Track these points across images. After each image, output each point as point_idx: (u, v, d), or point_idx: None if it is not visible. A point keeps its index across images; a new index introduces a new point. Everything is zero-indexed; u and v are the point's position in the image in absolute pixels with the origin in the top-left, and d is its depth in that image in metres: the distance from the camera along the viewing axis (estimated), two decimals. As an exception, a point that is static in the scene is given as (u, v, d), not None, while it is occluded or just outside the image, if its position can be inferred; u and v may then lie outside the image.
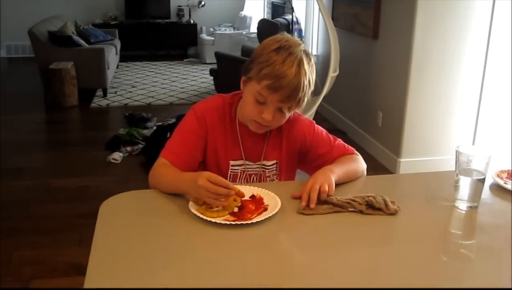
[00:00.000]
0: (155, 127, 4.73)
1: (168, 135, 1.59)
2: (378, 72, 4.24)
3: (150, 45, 9.21)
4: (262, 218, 1.26)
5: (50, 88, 5.81)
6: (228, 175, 1.58)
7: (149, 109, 5.73)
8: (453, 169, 1.40)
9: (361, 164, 1.61)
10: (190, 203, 1.32)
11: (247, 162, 1.59)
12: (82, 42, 6.33)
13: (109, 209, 1.35)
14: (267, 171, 1.62)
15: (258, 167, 1.61)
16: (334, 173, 1.45)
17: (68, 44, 6.05)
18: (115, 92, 6.50)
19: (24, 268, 2.71)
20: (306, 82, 1.40)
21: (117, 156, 4.24)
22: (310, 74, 1.43)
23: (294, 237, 1.27)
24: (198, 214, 1.26)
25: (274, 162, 1.62)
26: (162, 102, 6.14)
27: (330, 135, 1.65)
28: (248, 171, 1.60)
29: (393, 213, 1.33)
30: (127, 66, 8.29)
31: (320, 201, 1.36)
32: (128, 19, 9.16)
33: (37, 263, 2.75)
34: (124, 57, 8.42)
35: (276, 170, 1.63)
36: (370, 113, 4.39)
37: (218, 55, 5.81)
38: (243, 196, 1.34)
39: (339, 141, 1.64)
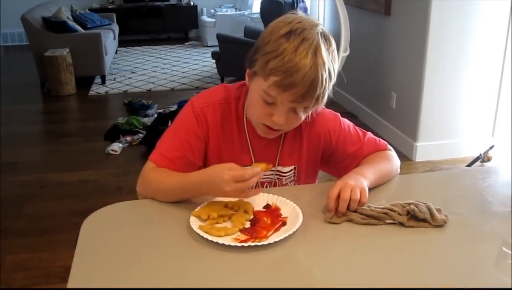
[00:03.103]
0: (155, 115, 4.52)
1: (169, 124, 1.32)
2: (391, 51, 4.04)
3: (149, 29, 8.95)
4: (281, 237, 1.02)
5: (46, 77, 5.60)
6: None
7: (149, 96, 5.51)
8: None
9: (396, 162, 1.36)
10: (192, 219, 1.09)
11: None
12: (77, 27, 6.09)
13: (93, 226, 1.12)
14: (283, 178, 1.37)
15: (272, 174, 1.36)
16: (366, 178, 1.21)
17: (63, 30, 5.81)
18: (114, 79, 6.27)
19: (16, 274, 2.52)
20: (325, 75, 1.12)
21: (116, 146, 4.04)
22: (330, 63, 1.14)
23: (322, 259, 1.02)
24: (202, 233, 1.03)
25: (292, 167, 1.37)
26: (163, 88, 5.91)
27: (358, 129, 1.40)
28: (260, 178, 1.35)
29: (441, 224, 1.09)
30: (126, 52, 8.05)
31: (350, 211, 1.12)
32: (126, 3, 8.89)
33: (31, 268, 2.57)
34: (123, 42, 8.19)
35: (294, 176, 1.38)
36: (383, 95, 4.20)
37: (220, 37, 5.57)
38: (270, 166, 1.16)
39: (369, 135, 1.39)
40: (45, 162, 3.99)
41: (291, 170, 1.36)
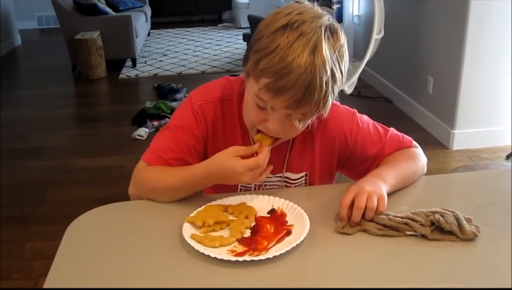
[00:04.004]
0: (184, 99, 4.41)
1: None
2: (429, 34, 3.85)
3: (183, 11, 8.84)
4: (283, 251, 0.89)
5: (77, 60, 5.58)
6: (238, 190, 1.21)
7: (179, 79, 5.42)
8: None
9: (421, 160, 1.20)
10: (185, 225, 0.97)
11: None
12: (108, 10, 6.03)
13: (78, 230, 1.02)
14: (292, 185, 1.23)
15: (279, 180, 1.22)
16: (385, 182, 1.06)
17: (93, 12, 5.76)
18: (145, 62, 6.21)
19: (34, 263, 2.47)
20: (326, 77, 0.95)
21: (142, 131, 3.97)
22: (334, 62, 0.97)
23: (329, 276, 0.89)
24: (193, 244, 0.91)
25: (302, 174, 1.22)
26: (193, 71, 5.82)
27: (379, 126, 1.23)
28: (265, 185, 1.22)
29: (470, 238, 0.94)
30: (159, 34, 7.99)
31: (365, 220, 0.98)
32: (159, -16, 8.80)
33: (49, 256, 2.48)
34: (156, 25, 8.10)
35: (306, 183, 1.24)
36: (420, 79, 4.02)
37: (251, 19, 5.42)
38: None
39: (392, 132, 1.23)
40: (71, 146, 3.96)
41: (301, 177, 1.23)
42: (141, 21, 6.47)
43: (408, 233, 0.96)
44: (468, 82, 3.41)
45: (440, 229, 0.95)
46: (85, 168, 3.51)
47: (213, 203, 1.06)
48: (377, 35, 3.84)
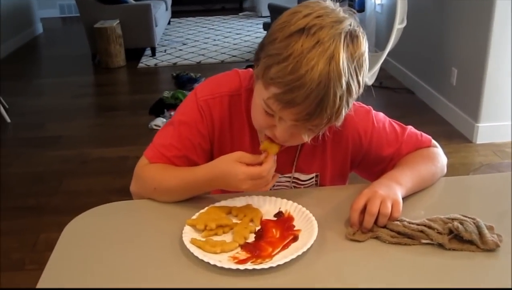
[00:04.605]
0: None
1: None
2: (453, 23, 3.75)
3: (204, -1, 8.79)
4: (288, 259, 0.83)
5: (96, 49, 5.57)
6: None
7: (198, 69, 5.38)
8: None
9: (441, 161, 1.12)
10: (186, 229, 0.92)
11: None
12: (128, -2, 6.00)
13: (73, 233, 0.97)
14: (302, 186, 1.17)
15: (288, 181, 1.16)
16: (401, 185, 0.99)
17: (113, 1, 5.73)
18: (165, 51, 6.18)
19: (47, 254, 2.45)
20: (340, 92, 0.87)
21: (159, 121, 3.95)
22: (351, 73, 0.88)
23: (338, 287, 0.82)
24: (192, 249, 0.85)
25: (313, 175, 1.16)
26: (212, 61, 5.77)
27: (396, 124, 1.16)
28: (274, 185, 1.14)
29: (492, 248, 0.87)
30: (179, 23, 7.95)
31: (378, 227, 0.91)
32: (180, -28, 8.74)
33: (63, 248, 2.50)
34: (177, 13, 8.05)
35: (316, 185, 1.17)
36: (443, 70, 3.92)
37: (271, 7, 5.35)
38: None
39: (409, 130, 1.15)
40: (88, 136, 3.94)
41: (311, 178, 1.16)
42: (161, 10, 6.44)
43: (423, 241, 0.89)
44: (493, 73, 3.32)
45: (459, 238, 0.88)
46: (101, 158, 3.50)
47: (217, 204, 1.00)
48: (399, 25, 3.78)
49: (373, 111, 1.14)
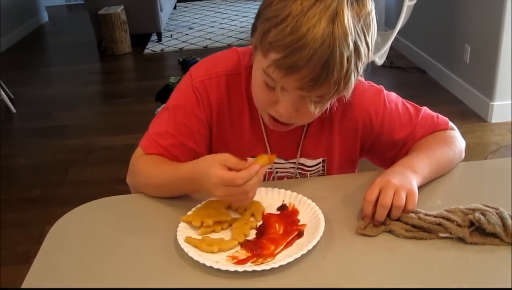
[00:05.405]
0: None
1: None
2: None
3: (210, -18, 8.65)
4: (291, 259, 0.76)
5: (102, 36, 5.51)
6: None
7: (205, 53, 5.22)
8: None
9: (459, 145, 1.04)
10: (181, 225, 0.85)
11: (275, 160, 1.06)
12: (132, -17, 5.90)
13: (61, 231, 0.91)
14: (307, 173, 1.08)
15: (292, 167, 1.08)
16: (416, 173, 0.91)
17: (117, -14, 5.64)
18: (171, 36, 6.09)
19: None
20: (347, 52, 0.79)
21: (166, 108, 3.87)
22: (358, 33, 0.80)
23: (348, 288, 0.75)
24: (187, 249, 0.78)
25: (319, 160, 1.07)
26: (219, 45, 5.67)
27: (410, 105, 1.06)
28: (277, 172, 1.08)
29: (517, 242, 0.79)
30: (186, 7, 7.85)
31: (391, 220, 0.84)
32: (185, -45, 8.61)
33: (68, 240, 2.46)
34: (182, -3, 7.96)
35: (323, 171, 1.09)
36: (455, 48, 3.83)
37: (278, -11, 5.23)
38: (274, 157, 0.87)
39: (424, 112, 1.06)
40: (94, 124, 3.90)
41: (318, 164, 1.08)
42: (166, -6, 6.34)
43: (441, 235, 0.81)
44: (508, 50, 3.22)
45: (481, 231, 0.80)
46: (107, 146, 3.46)
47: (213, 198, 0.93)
48: (409, 2, 3.66)
49: (385, 91, 1.05)
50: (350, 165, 1.12)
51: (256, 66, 0.90)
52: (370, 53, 0.84)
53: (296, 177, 1.08)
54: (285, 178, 1.08)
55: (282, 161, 1.06)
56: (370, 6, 0.83)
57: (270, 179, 1.08)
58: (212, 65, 1.03)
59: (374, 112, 1.03)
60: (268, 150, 1.04)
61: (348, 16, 0.78)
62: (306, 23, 0.77)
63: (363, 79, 1.04)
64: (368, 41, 0.82)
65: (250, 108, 1.01)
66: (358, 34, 0.80)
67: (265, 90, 0.88)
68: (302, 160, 1.07)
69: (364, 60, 0.83)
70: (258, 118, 1.02)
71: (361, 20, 0.81)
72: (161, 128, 1.02)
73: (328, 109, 0.96)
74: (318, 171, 1.09)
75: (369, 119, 1.03)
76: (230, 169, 0.82)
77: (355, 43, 0.80)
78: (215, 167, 0.82)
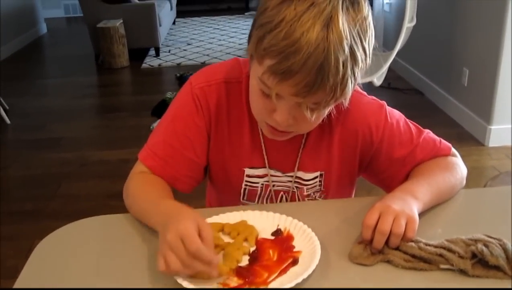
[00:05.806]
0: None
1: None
2: (464, 21, 3.65)
3: (209, -1, 8.71)
4: (285, 287, 0.72)
5: (100, 49, 5.50)
6: (242, 190, 1.04)
7: (203, 69, 5.28)
8: None
9: (460, 173, 1.01)
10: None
11: (272, 172, 1.03)
12: (131, -3, 5.92)
13: (45, 252, 0.87)
14: (304, 187, 1.05)
15: (289, 181, 1.05)
16: (417, 199, 0.88)
17: (116, 0, 5.64)
18: (169, 51, 6.10)
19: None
20: (343, 57, 0.77)
21: (161, 123, 3.84)
22: (354, 37, 0.78)
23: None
24: (176, 276, 0.75)
25: (317, 174, 1.05)
26: (217, 61, 5.66)
27: (412, 125, 1.04)
28: (274, 186, 1.05)
29: (521, 275, 0.76)
30: (185, 22, 7.88)
31: (390, 248, 0.80)
32: (185, -29, 8.67)
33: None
34: (182, 13, 7.98)
35: (320, 186, 1.06)
36: (454, 70, 3.84)
37: (277, 7, 5.25)
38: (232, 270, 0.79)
39: (427, 134, 1.04)
40: (89, 138, 3.87)
41: (315, 177, 1.05)
42: (165, 9, 6.36)
43: (442, 266, 0.78)
44: (506, 73, 3.22)
45: (484, 263, 0.77)
46: (101, 160, 3.42)
47: (209, 219, 0.89)
48: (409, 23, 3.68)
49: (388, 107, 1.03)
50: (348, 181, 1.09)
51: (253, 75, 0.88)
52: (368, 59, 0.82)
53: (293, 191, 1.05)
54: (281, 193, 1.05)
55: (279, 173, 1.04)
56: (367, 11, 0.81)
57: (267, 192, 1.05)
58: (212, 72, 1.01)
59: (375, 126, 1.01)
60: (266, 161, 1.02)
61: (343, 21, 0.77)
62: (300, 27, 0.75)
63: (365, 93, 1.03)
64: (365, 46, 0.81)
65: (250, 117, 0.99)
66: (354, 39, 0.78)
67: (261, 98, 0.86)
68: (300, 174, 1.04)
69: (361, 65, 0.81)
70: (257, 128, 1.01)
71: (357, 25, 0.79)
72: (159, 138, 1.00)
73: (327, 118, 0.94)
74: (315, 185, 1.06)
75: (369, 133, 1.01)
76: (200, 234, 0.75)
77: (351, 48, 0.78)
78: (191, 221, 0.76)
